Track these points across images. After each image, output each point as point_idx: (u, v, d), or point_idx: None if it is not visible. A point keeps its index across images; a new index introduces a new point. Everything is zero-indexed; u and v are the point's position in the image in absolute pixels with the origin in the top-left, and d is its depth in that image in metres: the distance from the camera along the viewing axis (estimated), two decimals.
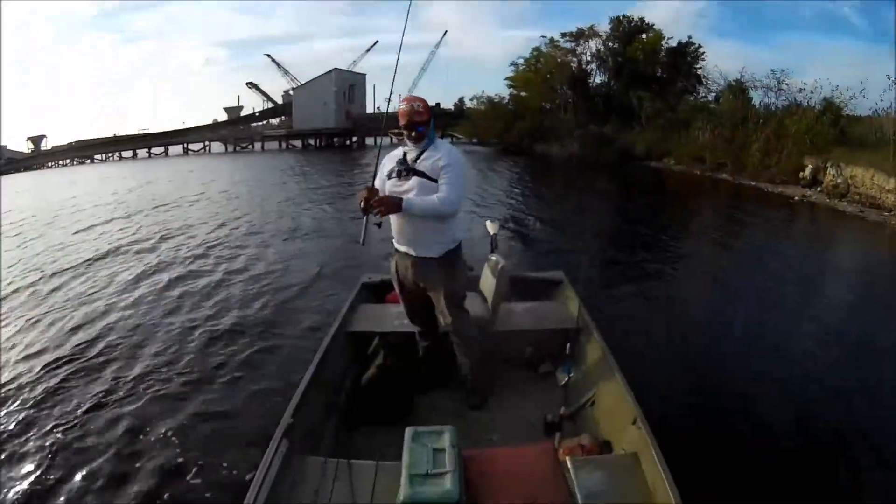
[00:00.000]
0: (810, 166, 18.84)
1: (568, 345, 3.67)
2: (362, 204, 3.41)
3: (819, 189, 17.95)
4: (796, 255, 10.91)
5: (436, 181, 3.44)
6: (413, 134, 3.48)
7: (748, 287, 8.66)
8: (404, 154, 3.57)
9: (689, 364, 5.75)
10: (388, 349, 4.03)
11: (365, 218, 3.49)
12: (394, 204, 3.25)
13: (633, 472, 2.77)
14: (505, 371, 4.33)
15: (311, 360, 3.81)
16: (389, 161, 3.66)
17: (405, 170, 3.52)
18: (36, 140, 66.15)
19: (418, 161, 3.50)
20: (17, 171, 51.51)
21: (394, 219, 3.61)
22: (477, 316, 4.08)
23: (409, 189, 3.48)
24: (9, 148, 62.84)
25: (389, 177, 3.59)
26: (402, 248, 3.73)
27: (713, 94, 30.20)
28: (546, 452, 2.83)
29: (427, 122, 3.50)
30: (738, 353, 6.11)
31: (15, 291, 9.43)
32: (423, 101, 3.53)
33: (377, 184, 3.62)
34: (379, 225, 3.52)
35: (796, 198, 17.75)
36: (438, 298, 3.74)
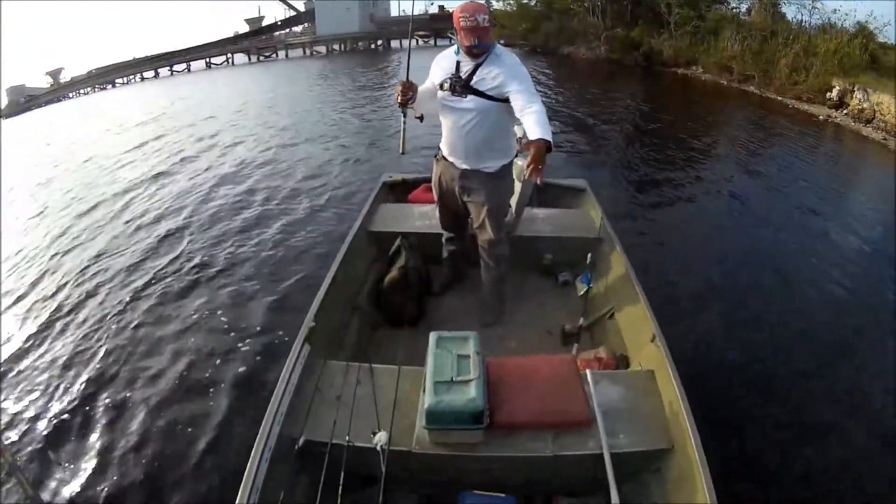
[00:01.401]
0: (837, 88, 19.09)
1: (589, 254, 3.65)
2: (399, 98, 3.29)
3: (845, 112, 18.27)
4: (820, 177, 10.87)
5: (496, 100, 3.21)
6: (475, 51, 3.21)
7: (770, 206, 8.75)
8: (458, 65, 3.29)
9: (708, 282, 5.91)
10: (409, 250, 4.01)
11: (403, 123, 3.36)
12: (544, 154, 2.72)
13: (649, 389, 2.80)
14: (525, 278, 4.33)
15: (332, 259, 3.78)
16: (441, 66, 3.40)
17: (460, 86, 3.27)
18: (54, 74, 63.81)
19: (474, 77, 3.23)
20: (39, 106, 50.31)
21: (446, 127, 3.48)
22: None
23: (466, 108, 3.29)
24: (27, 86, 61.32)
25: (442, 87, 3.34)
26: (452, 159, 3.58)
27: (745, 6, 29.83)
28: (566, 363, 2.80)
29: (491, 36, 3.18)
30: (758, 274, 6.25)
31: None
32: (486, 9, 3.13)
33: (427, 85, 3.46)
34: (421, 118, 3.48)
35: (821, 117, 18.10)
36: (480, 213, 3.61)
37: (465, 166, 3.51)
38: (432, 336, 2.69)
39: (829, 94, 19.50)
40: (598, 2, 36.06)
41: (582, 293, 3.73)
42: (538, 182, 2.67)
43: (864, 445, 3.83)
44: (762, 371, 4.45)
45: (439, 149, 3.68)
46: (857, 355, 4.83)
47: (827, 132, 16.52)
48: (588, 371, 2.83)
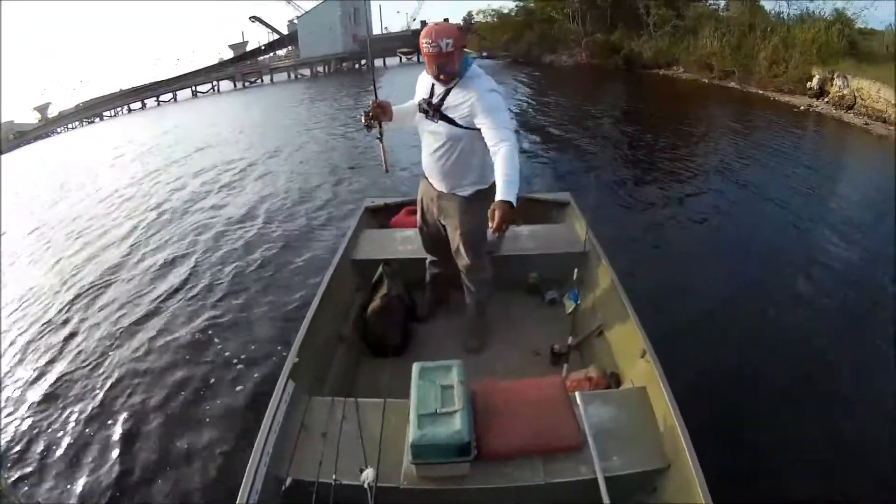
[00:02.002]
0: (817, 76, 19.16)
1: (575, 270, 3.48)
2: (363, 121, 3.31)
3: (826, 100, 18.35)
4: (806, 171, 10.73)
5: (464, 128, 3.10)
6: (442, 77, 3.08)
7: (759, 205, 8.62)
8: (432, 87, 3.18)
9: (698, 291, 5.75)
10: (392, 277, 3.96)
11: (381, 143, 3.43)
12: (510, 212, 2.62)
13: (641, 407, 2.75)
14: (511, 298, 4.24)
15: (316, 290, 3.72)
16: (421, 85, 3.33)
17: (432, 110, 3.18)
18: (42, 109, 63.83)
19: (445, 101, 3.12)
20: (28, 143, 49.99)
21: (423, 148, 3.41)
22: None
23: (437, 132, 3.21)
24: (16, 122, 61.09)
25: (420, 108, 3.27)
26: (430, 180, 3.52)
27: (722, 2, 30.04)
28: (554, 386, 2.77)
29: (459, 60, 3.03)
30: (750, 280, 6.07)
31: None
32: (452, 31, 2.97)
33: (410, 105, 3.41)
34: (380, 138, 3.45)
35: (802, 107, 18.13)
36: (455, 237, 3.53)
37: (441, 188, 3.45)
38: (415, 367, 2.65)
39: (809, 83, 19.60)
40: (577, 8, 36.03)
41: (570, 311, 3.60)
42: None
43: (865, 458, 3.72)
44: (758, 383, 4.38)
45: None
46: (856, 366, 4.67)
47: (809, 122, 16.50)
48: (577, 393, 2.78)
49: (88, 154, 24.56)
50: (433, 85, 3.15)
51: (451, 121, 3.11)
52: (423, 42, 2.92)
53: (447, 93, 3.10)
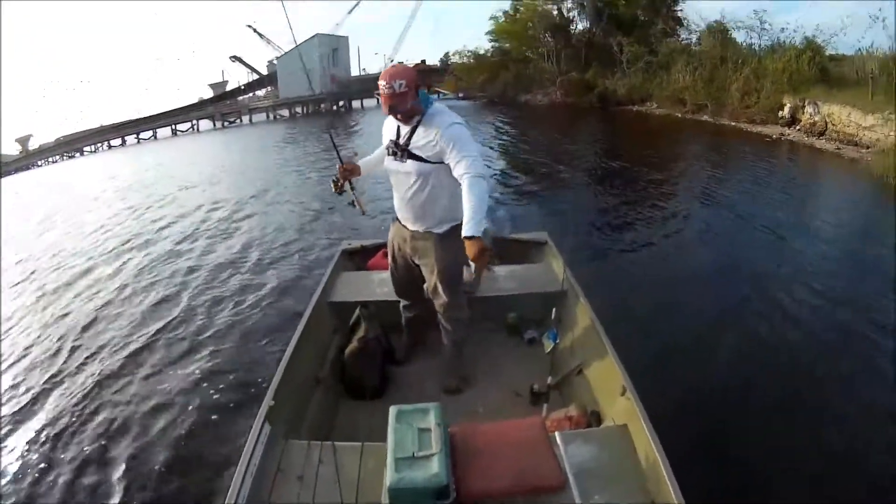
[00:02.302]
0: (788, 105, 19.03)
1: (553, 310, 3.51)
2: (333, 188, 3.49)
3: (797, 128, 18.19)
4: (778, 198, 10.78)
5: (433, 163, 3.13)
6: (398, 116, 3.15)
7: (735, 237, 8.59)
8: (398, 129, 3.23)
9: (677, 326, 5.67)
10: (369, 319, 3.92)
11: (352, 191, 3.56)
12: (479, 252, 2.75)
13: (623, 445, 2.73)
14: (489, 338, 4.23)
15: (293, 333, 3.70)
16: (387, 128, 3.36)
17: (399, 150, 3.22)
18: (23, 140, 64.59)
19: (411, 140, 3.17)
20: (9, 174, 50.39)
21: (395, 189, 3.42)
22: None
23: (407, 172, 3.23)
24: None
25: (388, 151, 3.31)
26: (402, 221, 3.52)
27: (694, 37, 30.08)
28: (534, 426, 2.69)
29: (412, 100, 3.07)
30: (730, 313, 5.99)
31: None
32: (406, 73, 3.04)
33: (379, 151, 3.49)
34: (352, 189, 3.59)
35: (774, 136, 18.01)
36: (431, 276, 3.50)
37: (414, 228, 3.44)
38: (392, 410, 2.57)
39: (780, 112, 19.39)
40: (552, 48, 36.24)
41: (549, 350, 3.60)
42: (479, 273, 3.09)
43: (852, 487, 3.61)
44: (741, 416, 4.27)
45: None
46: (841, 391, 4.61)
47: (782, 150, 16.39)
48: (557, 433, 2.76)
49: (69, 189, 24.34)
50: (398, 127, 3.20)
51: (419, 158, 3.13)
52: (380, 83, 3.00)
53: (413, 131, 3.14)
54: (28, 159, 58.95)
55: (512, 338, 4.27)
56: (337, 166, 3.50)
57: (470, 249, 2.74)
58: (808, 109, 17.86)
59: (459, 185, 2.95)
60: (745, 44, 25.90)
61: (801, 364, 4.94)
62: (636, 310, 5.90)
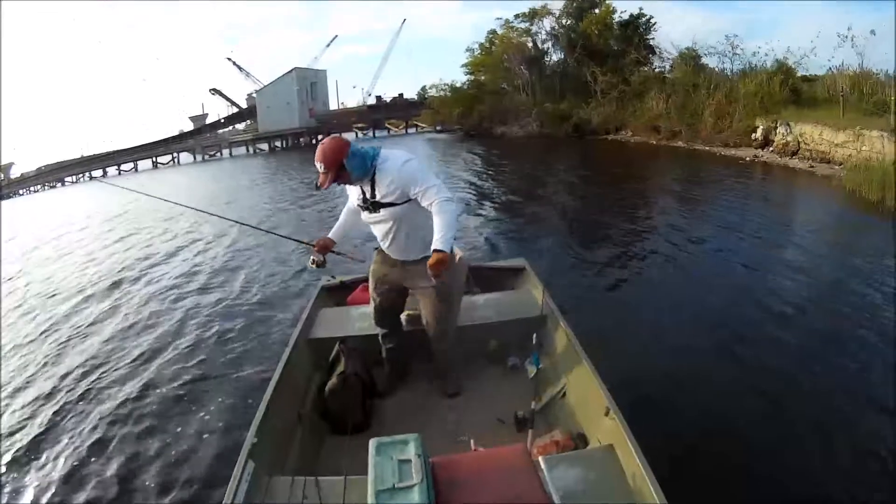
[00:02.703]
0: (761, 127, 19.13)
1: (534, 335, 3.53)
2: (314, 266, 3.80)
3: (770, 149, 18.25)
4: (752, 217, 10.88)
5: (402, 203, 3.33)
6: (346, 181, 3.38)
7: (712, 256, 8.69)
8: (361, 189, 3.44)
9: (659, 345, 5.68)
10: (349, 354, 3.96)
11: (337, 254, 3.89)
12: (446, 259, 3.04)
13: (610, 465, 2.73)
14: (472, 367, 4.23)
15: (274, 370, 3.75)
16: (352, 190, 3.60)
17: (371, 206, 3.43)
18: (4, 169, 64.76)
19: (375, 193, 3.39)
20: None
21: (378, 235, 3.62)
22: None
23: (383, 219, 3.45)
24: None
25: (362, 208, 3.52)
26: (391, 254, 3.66)
27: (667, 65, 30.44)
28: (518, 453, 2.69)
29: (340, 169, 3.27)
30: (709, 328, 6.03)
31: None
32: (324, 157, 3.25)
33: (349, 205, 3.74)
34: (322, 265, 3.82)
35: (747, 158, 18.08)
36: (426, 292, 3.64)
37: (404, 258, 3.60)
38: (372, 443, 2.55)
39: (753, 134, 19.45)
40: (527, 79, 36.44)
41: (532, 375, 3.63)
42: (434, 282, 3.23)
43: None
44: (728, 430, 4.24)
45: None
46: (828, 399, 4.64)
47: (756, 171, 16.49)
48: (541, 458, 2.71)
49: (51, 220, 24.46)
50: (361, 189, 3.41)
51: (389, 204, 3.34)
52: (316, 164, 3.30)
53: (373, 185, 3.34)
54: (9, 187, 58.79)
55: (494, 365, 4.26)
56: (310, 248, 3.80)
57: (433, 258, 2.98)
58: (781, 130, 17.91)
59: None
60: (717, 68, 26.31)
61: (784, 381, 4.87)
62: (616, 331, 5.88)
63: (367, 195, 3.41)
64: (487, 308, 4.52)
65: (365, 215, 3.52)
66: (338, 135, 3.70)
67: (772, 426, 4.27)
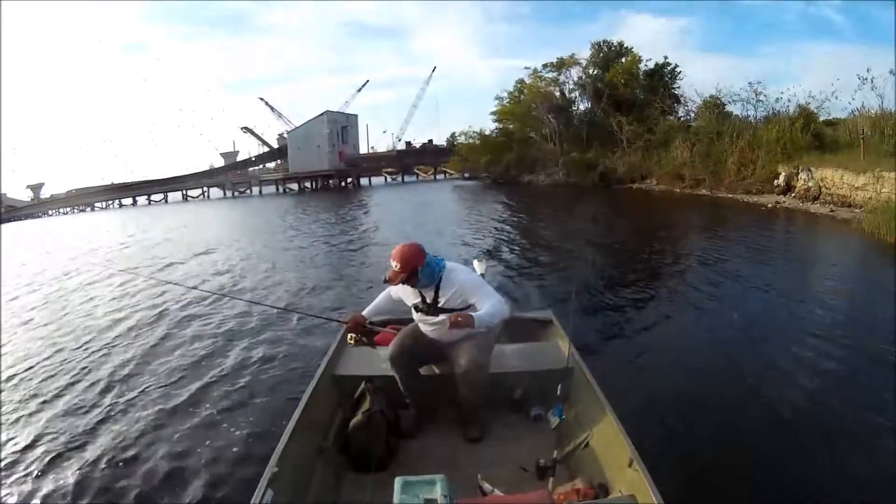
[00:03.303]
0: (783, 173, 18.95)
1: (559, 386, 3.57)
2: (353, 343, 4.01)
3: (792, 195, 18.03)
4: (772, 265, 10.85)
5: (461, 309, 3.60)
6: (412, 284, 3.64)
7: (738, 306, 8.51)
8: (421, 294, 3.73)
9: (684, 399, 5.54)
10: (374, 393, 3.98)
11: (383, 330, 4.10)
12: (467, 325, 3.41)
13: None
14: (495, 415, 4.23)
15: (296, 404, 3.77)
16: (405, 294, 3.83)
17: (432, 310, 3.71)
18: (35, 188, 66.91)
19: (439, 300, 3.68)
20: (18, 219, 51.82)
21: (431, 328, 3.83)
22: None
23: (440, 322, 3.67)
24: (8, 195, 63.24)
25: (416, 309, 3.79)
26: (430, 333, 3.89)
27: (692, 114, 30.49)
28: (540, 500, 2.75)
29: (413, 272, 3.57)
30: (734, 382, 5.87)
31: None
32: (403, 256, 3.55)
33: (385, 296, 4.03)
34: (360, 341, 4.01)
35: (769, 205, 17.88)
36: (465, 342, 3.80)
37: (449, 340, 3.82)
38: (397, 481, 2.61)
39: (776, 181, 19.21)
40: (555, 128, 36.67)
41: (555, 426, 3.61)
42: (450, 324, 3.43)
43: None
44: (753, 481, 4.10)
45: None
46: (856, 451, 4.43)
47: (779, 218, 16.26)
48: None
49: (80, 241, 24.80)
50: (422, 294, 3.71)
51: (449, 310, 3.60)
52: (391, 261, 3.58)
53: (437, 292, 3.66)
54: (39, 207, 60.74)
55: (517, 414, 4.24)
56: (344, 327, 4.11)
57: (464, 316, 3.40)
58: (802, 176, 17.74)
59: (484, 331, 3.69)
60: (740, 115, 26.16)
61: (814, 434, 4.76)
62: (641, 382, 5.79)
63: (429, 300, 3.71)
64: (514, 358, 4.53)
65: (419, 316, 3.81)
66: (415, 242, 3.79)
67: (801, 482, 4.15)
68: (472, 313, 3.43)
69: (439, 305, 3.68)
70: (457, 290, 3.64)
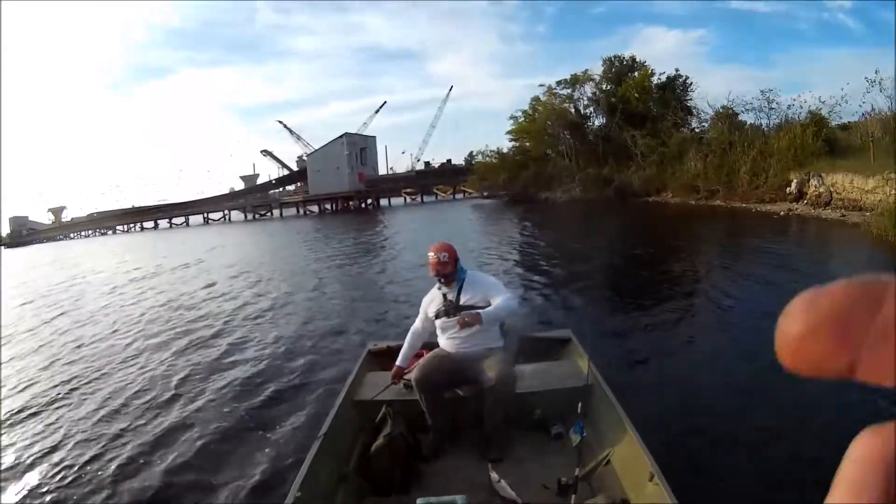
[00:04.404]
0: (795, 180, 18.88)
1: (579, 404, 3.61)
2: (406, 388, 4.12)
3: (804, 202, 17.99)
4: (789, 272, 10.84)
5: (479, 308, 3.87)
6: (443, 280, 4.01)
7: (755, 316, 8.49)
8: (444, 295, 4.05)
9: (705, 413, 5.58)
10: (395, 418, 4.02)
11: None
12: (476, 323, 3.70)
13: None
14: (516, 434, 4.26)
15: (318, 429, 3.85)
16: (431, 303, 4.14)
17: (452, 309, 3.97)
18: (56, 211, 68.31)
19: (461, 299, 3.98)
20: (39, 241, 52.79)
21: (447, 342, 4.09)
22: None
23: (464, 336, 3.95)
24: (29, 218, 64.43)
25: (437, 317, 4.06)
26: (453, 349, 4.09)
27: (703, 125, 30.51)
28: None
29: (454, 267, 4.01)
30: (756, 396, 5.84)
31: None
32: (449, 249, 4.01)
33: (417, 328, 4.25)
34: (409, 385, 4.09)
35: (782, 213, 17.89)
36: (490, 361, 3.97)
37: (464, 351, 4.02)
38: (419, 502, 2.66)
39: (788, 188, 19.13)
40: (570, 145, 36.72)
41: (576, 443, 3.66)
42: (460, 325, 3.74)
43: None
44: (775, 496, 4.13)
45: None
46: None
47: (791, 226, 16.34)
48: None
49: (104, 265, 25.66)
50: (444, 295, 4.04)
51: (470, 307, 3.91)
52: (429, 255, 4.00)
53: (459, 293, 3.99)
54: (60, 230, 62.07)
55: (538, 433, 4.26)
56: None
57: (472, 314, 3.69)
58: (814, 182, 17.69)
59: (501, 323, 4.04)
60: (754, 123, 26.12)
61: (834, 444, 4.54)
62: (662, 397, 5.83)
63: (452, 298, 4.01)
64: (533, 377, 4.53)
65: (442, 321, 4.05)
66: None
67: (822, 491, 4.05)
68: (482, 311, 3.71)
69: (461, 304, 3.95)
70: (478, 290, 3.97)
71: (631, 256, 15.05)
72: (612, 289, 11.65)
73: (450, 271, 4.01)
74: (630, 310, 9.63)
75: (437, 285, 4.15)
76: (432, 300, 4.16)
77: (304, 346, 8.99)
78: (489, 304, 3.89)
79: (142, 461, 5.45)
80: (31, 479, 5.19)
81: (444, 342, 4.11)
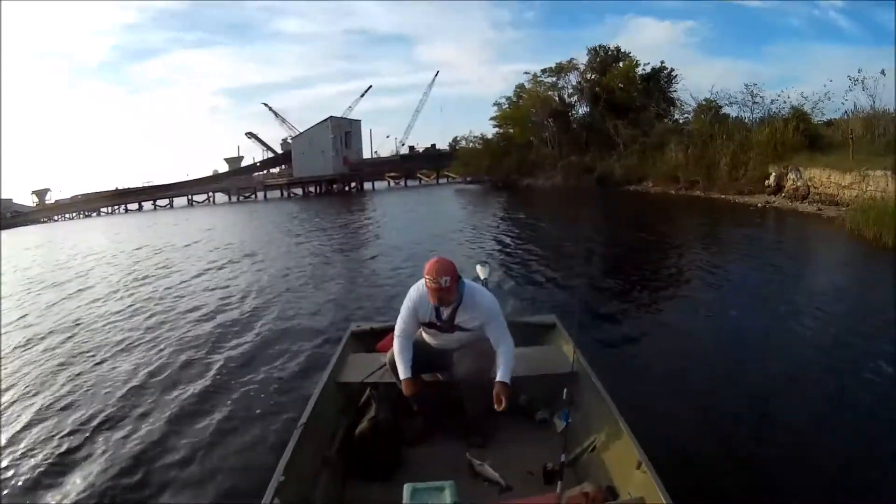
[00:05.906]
0: (774, 174, 19.20)
1: (564, 390, 3.48)
2: (415, 406, 3.93)
3: (782, 195, 18.30)
4: (764, 263, 11.03)
5: (474, 330, 3.75)
6: (449, 300, 3.65)
7: (734, 303, 8.70)
8: (437, 310, 3.74)
9: (691, 399, 5.53)
10: (379, 401, 4.00)
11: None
12: (507, 393, 3.53)
13: None
14: (501, 420, 4.19)
15: (301, 412, 3.81)
16: (420, 307, 3.79)
17: (446, 326, 3.78)
18: (40, 193, 67.25)
19: (457, 318, 3.75)
20: (24, 224, 52.18)
21: (432, 345, 3.95)
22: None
23: (451, 340, 3.84)
24: (14, 201, 63.59)
25: (430, 326, 3.83)
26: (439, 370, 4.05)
27: (686, 116, 30.66)
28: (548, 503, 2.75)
29: (455, 292, 3.64)
30: (741, 378, 5.90)
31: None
32: (450, 271, 3.55)
33: (408, 327, 3.88)
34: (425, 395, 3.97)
35: (759, 205, 18.20)
36: (469, 357, 3.86)
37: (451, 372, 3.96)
38: (406, 488, 2.66)
39: (767, 181, 19.47)
40: (553, 132, 36.93)
41: (561, 430, 3.64)
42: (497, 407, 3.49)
43: None
44: (762, 482, 4.11)
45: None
46: (862, 451, 4.45)
47: (768, 218, 16.62)
48: None
49: (92, 246, 25.27)
50: (437, 309, 3.73)
51: (464, 329, 3.76)
52: (427, 278, 3.54)
53: (455, 311, 3.72)
54: (44, 212, 61.03)
55: (523, 419, 4.27)
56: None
57: (500, 389, 3.49)
58: (791, 176, 18.02)
59: (486, 336, 3.78)
60: (737, 117, 26.37)
61: (824, 434, 4.77)
62: (648, 384, 5.79)
63: (446, 315, 3.76)
64: (518, 362, 4.33)
65: (433, 333, 3.88)
66: (442, 257, 3.76)
67: (810, 477, 4.17)
68: (501, 378, 3.54)
69: (456, 323, 3.75)
70: (476, 313, 3.70)
71: (613, 243, 15.26)
72: (596, 274, 11.71)
73: (454, 297, 3.69)
74: (614, 296, 9.70)
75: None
76: (421, 304, 3.82)
77: (285, 327, 8.97)
78: (481, 328, 3.73)
79: (119, 447, 5.38)
80: None
81: (426, 336, 3.96)
